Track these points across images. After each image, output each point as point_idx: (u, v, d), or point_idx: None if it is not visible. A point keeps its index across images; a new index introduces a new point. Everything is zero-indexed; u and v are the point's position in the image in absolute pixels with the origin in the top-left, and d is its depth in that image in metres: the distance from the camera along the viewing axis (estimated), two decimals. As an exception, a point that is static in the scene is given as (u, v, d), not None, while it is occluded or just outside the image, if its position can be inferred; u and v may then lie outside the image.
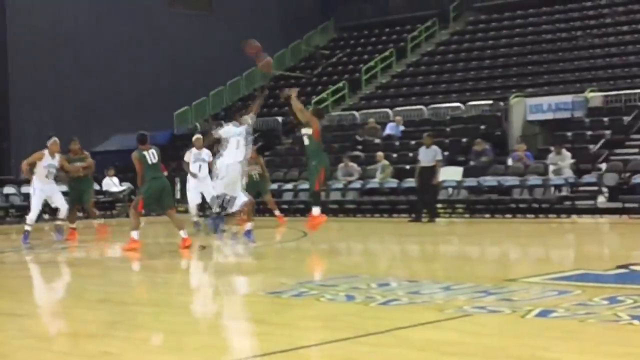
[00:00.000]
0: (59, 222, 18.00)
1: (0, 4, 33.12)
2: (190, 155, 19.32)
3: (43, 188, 17.30)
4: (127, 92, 35.04)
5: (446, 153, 24.91)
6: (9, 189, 25.74)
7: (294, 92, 15.34)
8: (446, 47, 38.37)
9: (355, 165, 26.76)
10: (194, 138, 19.71)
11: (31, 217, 17.28)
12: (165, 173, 27.00)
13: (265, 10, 40.18)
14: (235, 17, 38.86)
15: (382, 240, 18.34)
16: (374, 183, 25.93)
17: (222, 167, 14.99)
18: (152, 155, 14.91)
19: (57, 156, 17.38)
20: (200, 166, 19.15)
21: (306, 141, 15.30)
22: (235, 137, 15.02)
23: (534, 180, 23.52)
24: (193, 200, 19.57)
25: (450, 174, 24.58)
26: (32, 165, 17.18)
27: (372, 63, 37.26)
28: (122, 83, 35.11)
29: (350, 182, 26.20)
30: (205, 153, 19.01)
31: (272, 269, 12.45)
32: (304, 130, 15.35)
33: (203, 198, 19.34)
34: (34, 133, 31.57)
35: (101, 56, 34.68)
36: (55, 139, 17.42)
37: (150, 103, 35.26)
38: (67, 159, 17.84)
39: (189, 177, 19.40)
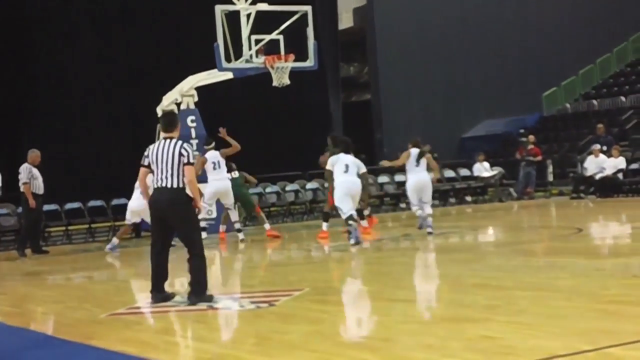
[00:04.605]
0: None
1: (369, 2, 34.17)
2: None
3: None
4: (494, 77, 34.85)
5: None
6: (382, 178, 26.38)
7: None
8: None
9: None
10: None
11: None
12: (539, 157, 26.85)
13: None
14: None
15: None
16: None
17: None
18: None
19: None
20: None
21: None
22: None
23: None
24: None
25: None
26: None
27: None
28: (489, 68, 34.96)
29: None
30: None
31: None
32: None
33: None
34: (405, 123, 32.28)
35: (467, 42, 34.76)
36: None
37: (517, 86, 34.89)
38: None
39: None
